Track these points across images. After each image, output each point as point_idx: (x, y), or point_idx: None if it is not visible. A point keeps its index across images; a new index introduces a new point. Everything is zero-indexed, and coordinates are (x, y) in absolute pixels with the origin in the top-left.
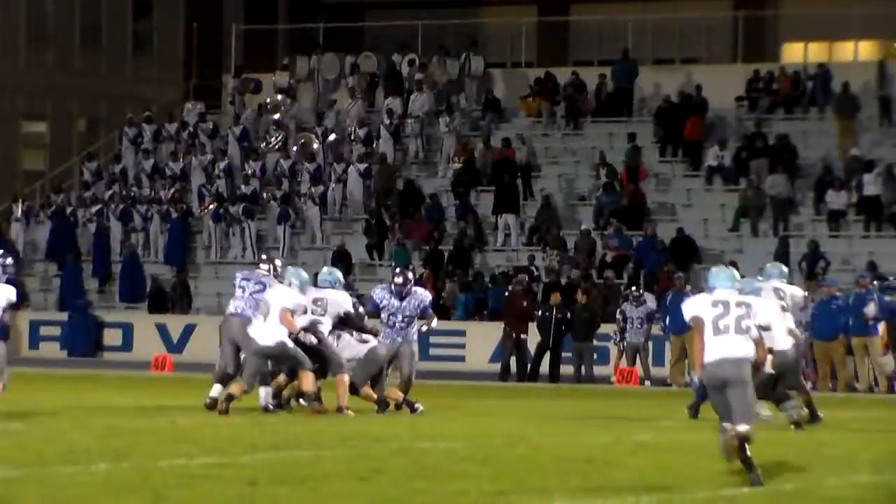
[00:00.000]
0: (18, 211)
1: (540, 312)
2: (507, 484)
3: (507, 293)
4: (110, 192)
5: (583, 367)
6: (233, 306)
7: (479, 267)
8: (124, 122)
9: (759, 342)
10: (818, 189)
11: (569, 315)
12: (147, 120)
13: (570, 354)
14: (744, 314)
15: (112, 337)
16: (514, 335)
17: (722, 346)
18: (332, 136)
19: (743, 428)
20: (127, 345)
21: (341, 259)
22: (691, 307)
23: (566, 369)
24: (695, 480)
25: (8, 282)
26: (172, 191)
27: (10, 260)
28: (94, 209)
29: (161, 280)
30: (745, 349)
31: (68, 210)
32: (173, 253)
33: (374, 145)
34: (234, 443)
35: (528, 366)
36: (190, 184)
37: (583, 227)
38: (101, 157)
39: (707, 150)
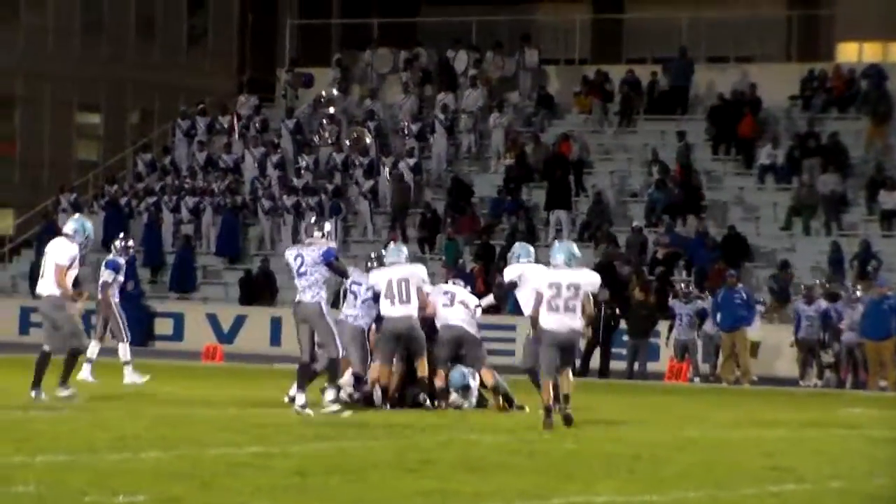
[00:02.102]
0: (65, 202)
1: None
2: (554, 478)
3: None
4: (162, 183)
5: (636, 364)
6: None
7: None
8: (177, 113)
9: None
10: (870, 189)
11: (618, 311)
12: (201, 112)
13: (623, 350)
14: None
15: (163, 326)
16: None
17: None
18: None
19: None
20: (178, 334)
21: None
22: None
23: (616, 365)
24: (742, 477)
25: (128, 264)
26: (226, 182)
27: (130, 242)
28: (149, 200)
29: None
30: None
31: (122, 201)
32: (225, 244)
33: (430, 140)
34: (282, 433)
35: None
36: (243, 176)
37: (634, 223)
38: (154, 149)
39: (760, 149)
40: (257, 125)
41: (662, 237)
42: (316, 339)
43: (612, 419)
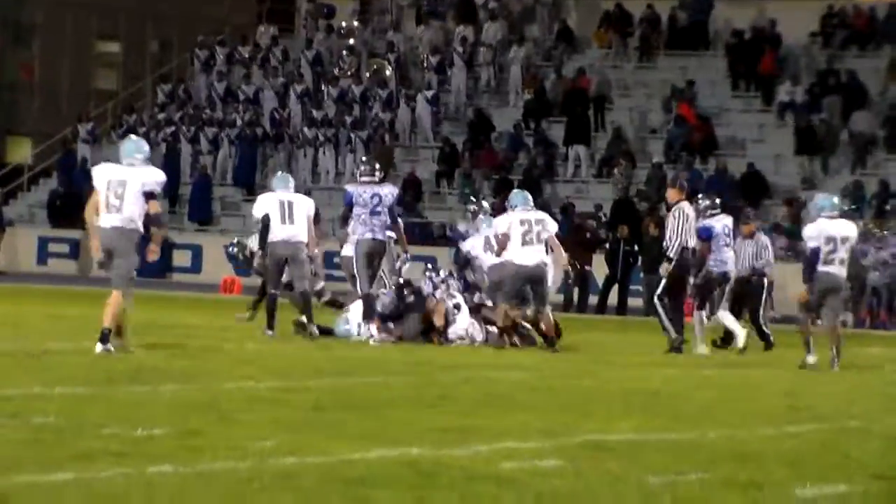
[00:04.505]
0: (83, 131)
1: (608, 245)
2: (573, 415)
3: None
4: (181, 113)
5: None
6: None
7: (549, 197)
8: (196, 44)
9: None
10: (889, 127)
11: (636, 248)
12: (220, 43)
13: (639, 287)
14: (541, 229)
15: (181, 258)
16: (577, 266)
17: (530, 253)
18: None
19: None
20: (196, 266)
21: (411, 186)
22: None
23: (634, 301)
24: (760, 415)
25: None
26: (246, 114)
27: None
28: (167, 131)
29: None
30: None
31: (140, 131)
32: (243, 175)
33: (449, 73)
34: (300, 367)
35: (593, 297)
36: (262, 107)
37: (654, 159)
38: (173, 79)
39: (779, 86)
40: (278, 56)
41: (681, 173)
42: (368, 275)
43: (631, 357)
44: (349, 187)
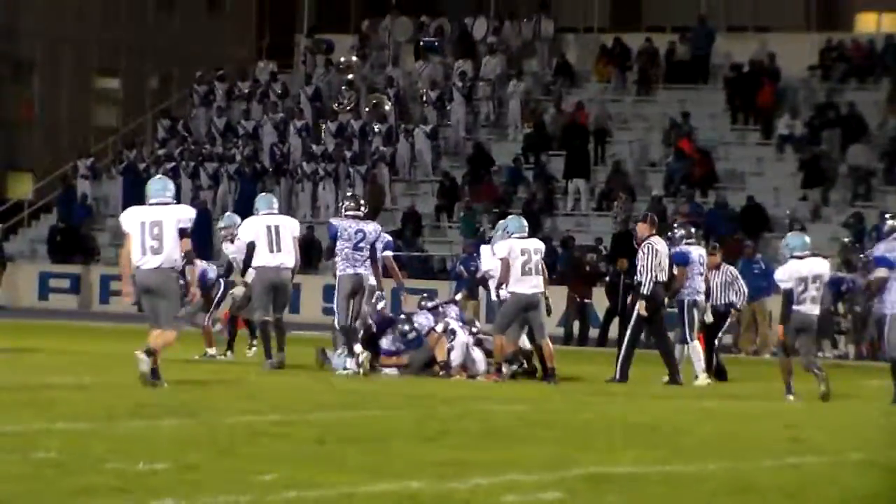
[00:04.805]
0: (84, 167)
1: (608, 278)
2: (573, 448)
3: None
4: (181, 149)
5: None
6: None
7: (549, 231)
8: (196, 79)
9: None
10: (889, 159)
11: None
12: (219, 78)
13: None
14: (538, 258)
15: None
16: (577, 300)
17: (529, 282)
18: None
19: None
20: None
21: (411, 220)
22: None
23: None
24: (761, 447)
25: None
26: (246, 149)
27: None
28: (168, 166)
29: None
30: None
31: (141, 166)
32: (243, 210)
33: (448, 108)
34: (301, 401)
35: (594, 330)
36: (262, 142)
37: (653, 193)
38: (172, 115)
39: (778, 119)
40: (277, 91)
41: (682, 206)
42: (353, 307)
43: (631, 388)
44: (334, 221)
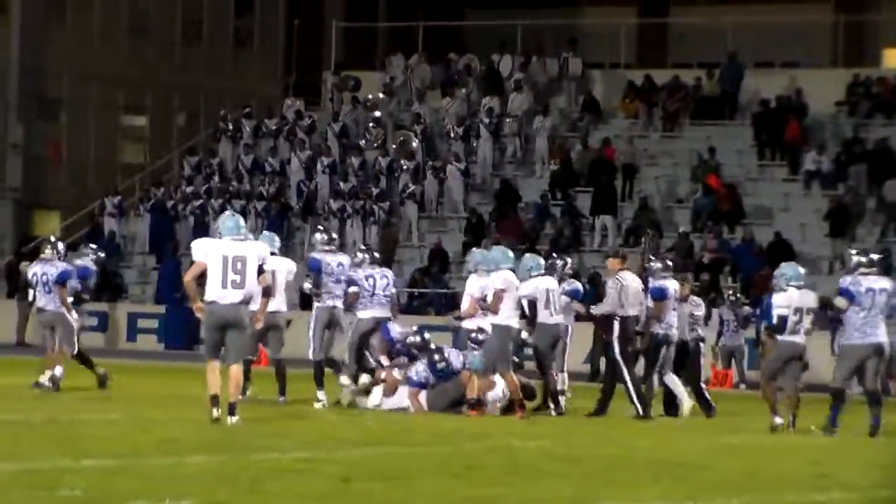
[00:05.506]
0: (111, 205)
1: None
2: (598, 483)
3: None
4: (208, 186)
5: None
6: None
7: (576, 267)
8: (223, 117)
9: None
10: None
11: None
12: (246, 115)
13: None
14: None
15: None
16: (603, 336)
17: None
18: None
19: None
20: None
21: (437, 257)
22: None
23: None
24: (786, 483)
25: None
26: (274, 186)
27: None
28: (195, 203)
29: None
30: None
31: (168, 204)
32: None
33: (475, 144)
34: (327, 438)
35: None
36: (289, 179)
37: (681, 229)
38: (200, 152)
39: (805, 155)
40: (304, 128)
41: (710, 242)
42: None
43: (656, 425)
44: (315, 255)
